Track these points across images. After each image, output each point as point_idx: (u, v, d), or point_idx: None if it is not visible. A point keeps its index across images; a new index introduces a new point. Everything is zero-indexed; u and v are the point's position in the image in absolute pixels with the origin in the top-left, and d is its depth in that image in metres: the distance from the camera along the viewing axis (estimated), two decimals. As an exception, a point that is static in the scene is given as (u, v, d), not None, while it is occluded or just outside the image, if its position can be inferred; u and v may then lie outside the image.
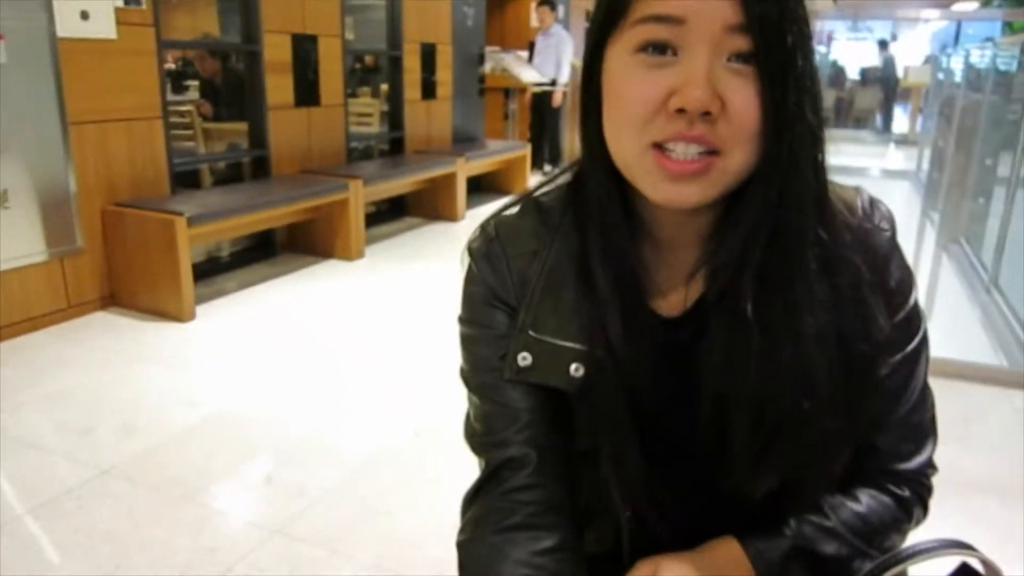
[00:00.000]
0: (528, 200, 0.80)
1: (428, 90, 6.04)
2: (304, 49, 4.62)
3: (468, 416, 0.81)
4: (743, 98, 0.61)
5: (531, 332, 0.74)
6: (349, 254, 4.54)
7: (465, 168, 5.78)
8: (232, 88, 4.86)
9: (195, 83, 5.64)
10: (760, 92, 0.61)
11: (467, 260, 0.81)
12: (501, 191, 6.94)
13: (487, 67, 7.04)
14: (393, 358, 3.20)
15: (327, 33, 4.79)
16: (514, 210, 0.80)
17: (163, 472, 2.28)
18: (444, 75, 6.22)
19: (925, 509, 0.80)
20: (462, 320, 0.81)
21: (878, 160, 10.30)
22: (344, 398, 2.84)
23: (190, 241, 3.42)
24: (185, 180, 4.23)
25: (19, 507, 2.08)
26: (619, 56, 0.64)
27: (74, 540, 1.96)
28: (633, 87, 0.63)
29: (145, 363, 3.07)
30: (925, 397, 0.78)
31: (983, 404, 2.92)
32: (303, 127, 4.72)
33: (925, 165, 7.49)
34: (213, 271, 4.16)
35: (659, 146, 0.63)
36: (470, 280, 0.80)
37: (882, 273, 0.72)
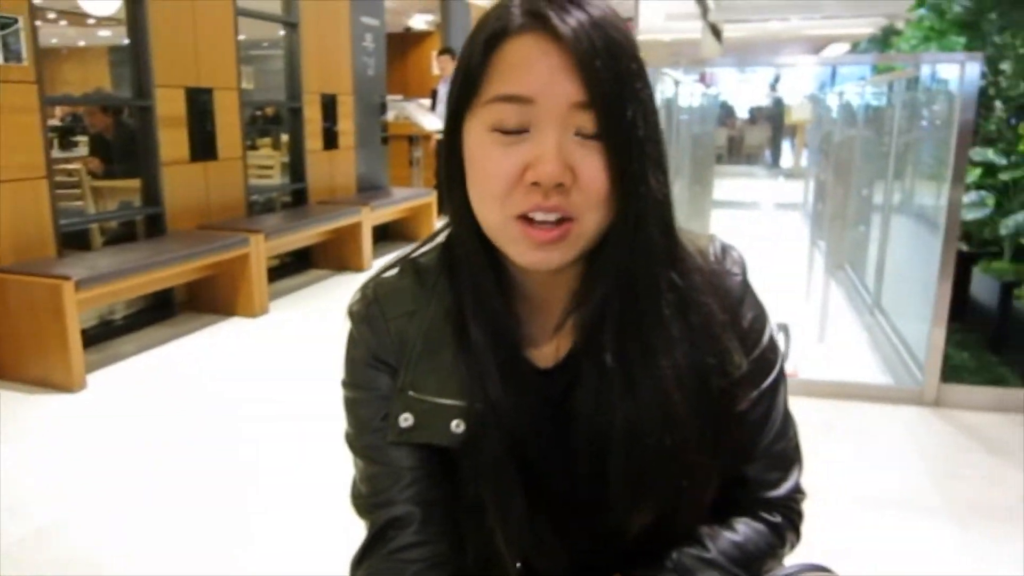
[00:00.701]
0: (406, 262, 0.83)
1: (330, 140, 6.01)
2: (199, 102, 4.53)
3: (354, 480, 0.82)
4: (591, 169, 0.66)
5: (411, 392, 0.77)
6: (253, 310, 4.41)
7: (371, 217, 5.74)
8: (124, 144, 4.70)
9: (84, 139, 5.44)
10: (606, 162, 0.66)
11: (348, 323, 0.83)
12: (408, 238, 6.92)
13: (390, 115, 7.07)
14: (306, 431, 2.96)
15: (223, 85, 4.71)
16: (393, 272, 0.83)
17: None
18: (346, 125, 6.20)
19: (798, 533, 0.85)
20: (345, 384, 0.83)
21: (769, 193, 10.82)
22: (250, 503, 2.43)
23: (79, 305, 3.25)
24: (74, 241, 4.04)
25: None
26: (476, 132, 0.69)
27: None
28: (491, 163, 0.68)
29: (11, 443, 2.83)
30: (787, 427, 0.83)
31: (875, 421, 3.05)
32: (200, 182, 4.60)
33: (811, 197, 7.92)
34: (107, 335, 3.97)
35: (521, 216, 0.67)
36: (351, 343, 0.83)
37: (735, 314, 0.78)
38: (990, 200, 3.52)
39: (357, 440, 0.81)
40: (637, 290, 0.71)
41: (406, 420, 0.76)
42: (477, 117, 0.68)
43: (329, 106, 5.94)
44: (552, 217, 0.67)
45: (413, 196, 6.69)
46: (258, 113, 6.28)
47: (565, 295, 0.75)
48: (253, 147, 5.63)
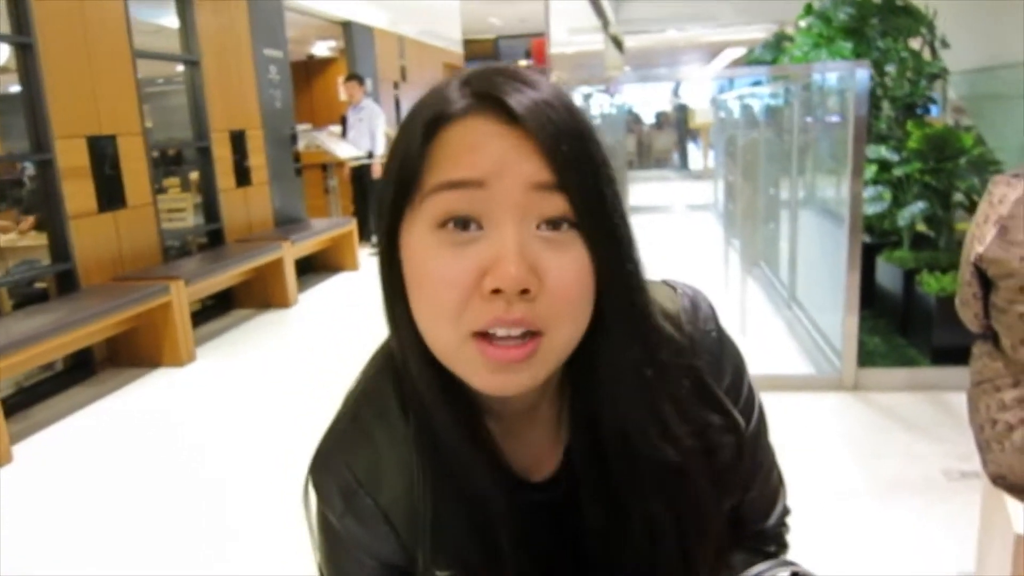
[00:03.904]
0: (362, 418, 0.69)
1: (243, 176, 5.89)
2: (103, 150, 4.38)
3: None
4: (560, 270, 0.56)
5: (438, 573, 0.66)
6: (179, 359, 4.29)
7: (292, 252, 5.66)
8: (29, 200, 4.51)
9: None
10: (579, 259, 0.57)
11: (318, 516, 0.70)
12: (332, 269, 6.86)
13: (300, 145, 6.99)
14: (243, 489, 2.89)
15: (127, 131, 4.57)
16: (352, 434, 0.69)
17: None
18: (258, 159, 6.10)
19: (786, 547, 0.85)
20: None
21: (680, 195, 11.15)
22: (200, 562, 2.38)
23: (-6, 375, 3.11)
24: (-21, 306, 3.86)
25: None
26: (418, 235, 0.58)
27: None
28: (439, 270, 0.56)
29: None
30: (773, 460, 0.82)
31: (799, 410, 3.19)
32: (110, 232, 4.45)
33: (721, 197, 8.21)
34: (24, 403, 3.78)
35: (479, 332, 0.56)
36: (335, 543, 0.70)
37: (718, 374, 0.73)
38: (887, 194, 3.75)
39: None
40: (628, 396, 0.63)
41: None
42: (418, 215, 0.57)
43: (238, 142, 5.83)
44: (516, 331, 0.55)
45: (333, 226, 6.62)
46: (157, 155, 6.09)
47: (545, 404, 0.68)
48: (161, 190, 5.46)
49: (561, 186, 0.55)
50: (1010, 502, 1.55)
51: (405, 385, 0.65)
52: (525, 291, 0.54)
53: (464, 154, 0.56)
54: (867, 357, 3.45)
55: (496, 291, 0.54)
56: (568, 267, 0.56)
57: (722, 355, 0.74)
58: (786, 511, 0.84)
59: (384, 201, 0.61)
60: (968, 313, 1.64)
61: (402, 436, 0.66)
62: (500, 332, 0.55)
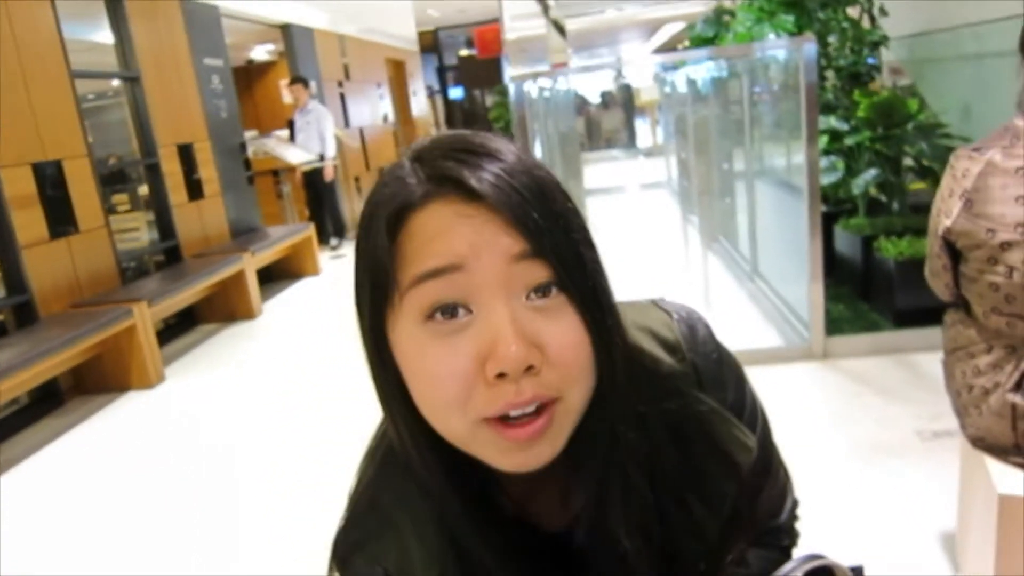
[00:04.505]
0: (382, 505, 0.67)
1: (195, 190, 5.78)
2: (49, 176, 4.26)
3: None
4: (561, 336, 0.55)
5: None
6: (148, 381, 4.22)
7: (253, 262, 5.58)
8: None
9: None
10: (574, 320, 0.56)
11: None
12: (293, 275, 6.79)
13: (249, 152, 6.87)
14: (229, 503, 2.89)
15: (72, 154, 4.45)
16: (373, 523, 0.67)
17: None
18: (208, 172, 5.99)
19: (798, 537, 0.87)
20: None
21: (632, 175, 11.24)
22: None
23: (-39, 417, 3.02)
24: (-65, 346, 3.73)
25: None
26: (406, 331, 0.56)
27: None
28: (436, 366, 0.54)
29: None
30: (779, 458, 0.83)
31: (772, 382, 3.27)
32: (65, 258, 4.33)
33: (674, 173, 8.30)
34: (-8, 440, 3.69)
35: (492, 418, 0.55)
36: None
37: (721, 390, 0.73)
38: (840, 164, 3.85)
39: None
40: (622, 442, 0.62)
41: None
42: (401, 312, 0.56)
43: (187, 155, 5.72)
44: (531, 408, 0.54)
45: (291, 233, 6.55)
46: (106, 173, 5.94)
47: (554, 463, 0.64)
48: (112, 210, 5.33)
49: (540, 252, 0.54)
50: (990, 463, 1.62)
51: (415, 474, 0.63)
52: (530, 368, 0.53)
53: (434, 242, 0.54)
54: (833, 324, 3.53)
55: (501, 375, 0.53)
56: (567, 331, 0.55)
57: (723, 373, 0.74)
58: (795, 504, 0.86)
59: (361, 302, 0.59)
60: (939, 284, 1.71)
61: (426, 517, 0.64)
62: (514, 413, 0.54)
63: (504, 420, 0.55)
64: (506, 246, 0.53)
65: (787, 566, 0.76)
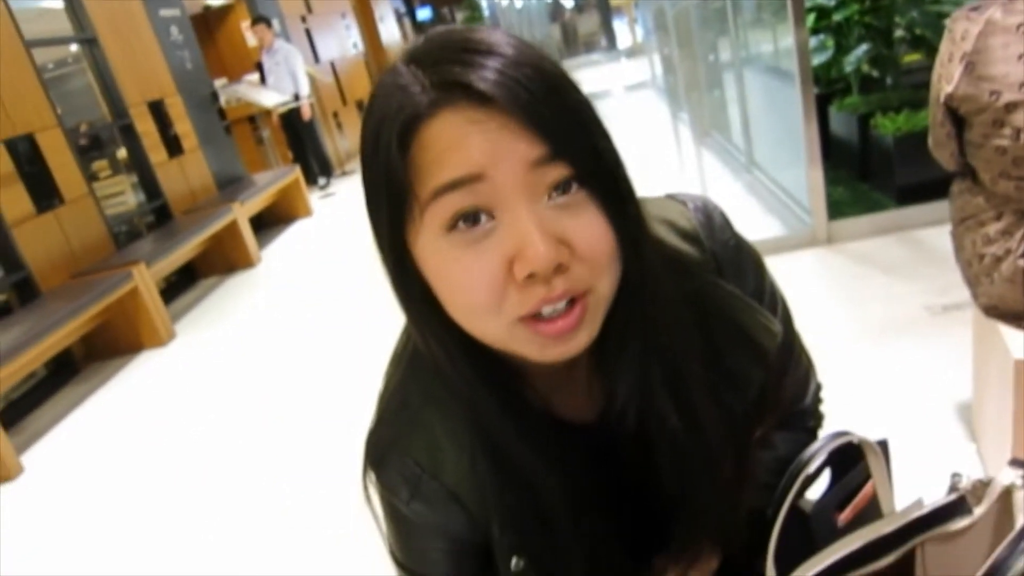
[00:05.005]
0: (412, 404, 0.69)
1: (173, 146, 5.68)
2: (23, 151, 4.17)
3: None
4: (586, 230, 0.55)
5: (516, 558, 0.67)
6: (160, 339, 4.25)
7: (243, 212, 5.53)
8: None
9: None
10: (596, 214, 0.56)
11: (384, 505, 0.71)
12: (287, 219, 6.74)
13: (221, 101, 6.71)
14: (262, 454, 2.89)
15: (43, 127, 4.34)
16: (404, 421, 0.69)
17: None
18: (183, 126, 5.86)
19: (823, 419, 0.89)
20: (402, 565, 0.74)
21: (616, 77, 10.98)
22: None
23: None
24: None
25: None
26: (430, 243, 0.56)
27: None
28: (465, 273, 0.55)
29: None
30: (801, 344, 0.84)
31: (779, 270, 3.24)
32: (56, 231, 4.29)
33: (658, 71, 8.10)
34: (17, 416, 3.73)
35: (527, 316, 0.56)
36: (406, 529, 0.71)
37: (742, 279, 0.74)
38: (829, 42, 3.73)
39: None
40: (659, 326, 0.63)
41: (517, 565, 0.67)
42: (423, 224, 0.55)
43: (159, 112, 5.59)
44: (562, 304, 0.56)
45: (278, 178, 6.47)
46: (82, 141, 5.82)
47: (584, 355, 0.64)
48: (94, 177, 5.25)
49: (559, 154, 0.54)
50: (1004, 330, 1.62)
51: (444, 377, 0.65)
52: (559, 265, 0.54)
53: (450, 153, 0.53)
54: (834, 207, 3.48)
55: (531, 276, 0.53)
56: (591, 225, 0.56)
57: (741, 259, 0.75)
58: (819, 387, 0.87)
59: (379, 218, 0.59)
60: (944, 153, 1.67)
61: (455, 414, 0.66)
62: (547, 310, 0.56)
63: (538, 317, 0.56)
64: (524, 152, 0.53)
65: (815, 445, 0.78)
